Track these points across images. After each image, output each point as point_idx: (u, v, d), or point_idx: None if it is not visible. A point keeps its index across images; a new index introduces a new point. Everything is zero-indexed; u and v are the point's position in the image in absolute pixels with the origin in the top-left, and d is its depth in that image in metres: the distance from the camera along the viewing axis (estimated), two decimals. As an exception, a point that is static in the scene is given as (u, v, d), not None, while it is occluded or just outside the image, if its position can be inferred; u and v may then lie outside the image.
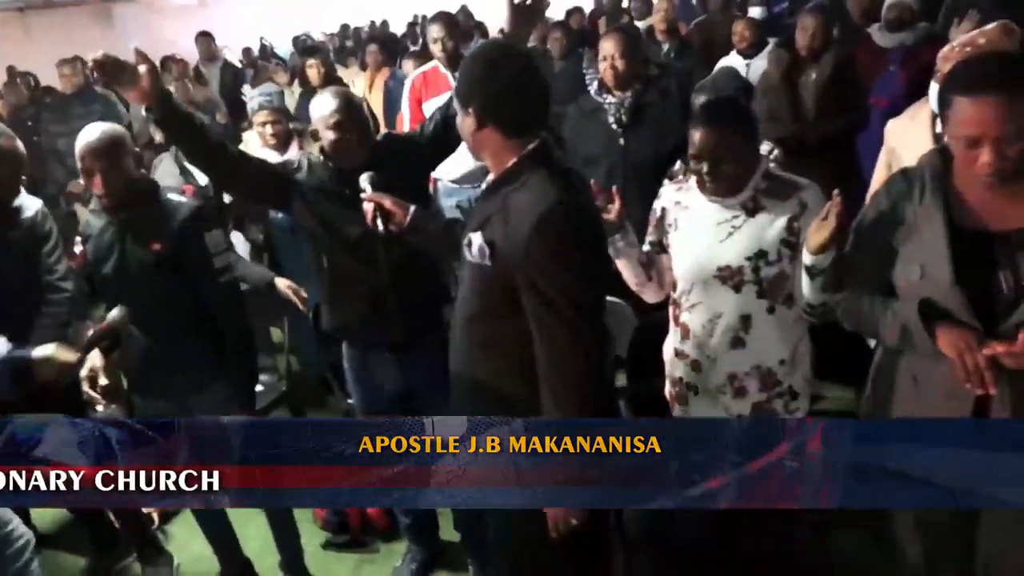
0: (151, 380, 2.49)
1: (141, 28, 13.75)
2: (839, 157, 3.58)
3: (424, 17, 11.78)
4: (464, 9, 6.24)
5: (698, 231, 2.08)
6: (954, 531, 1.82)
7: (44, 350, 1.91)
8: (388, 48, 6.54)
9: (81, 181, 4.87)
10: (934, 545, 1.88)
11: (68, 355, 1.91)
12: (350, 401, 3.27)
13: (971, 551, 1.83)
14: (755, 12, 5.38)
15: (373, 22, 11.89)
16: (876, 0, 4.62)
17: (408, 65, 4.66)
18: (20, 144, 2.71)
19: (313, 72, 4.66)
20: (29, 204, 2.87)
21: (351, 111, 2.31)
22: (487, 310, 1.77)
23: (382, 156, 2.36)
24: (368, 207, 2.01)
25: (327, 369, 3.40)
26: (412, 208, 2.02)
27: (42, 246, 2.67)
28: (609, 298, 2.42)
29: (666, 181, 2.91)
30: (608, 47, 3.23)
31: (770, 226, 1.99)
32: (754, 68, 4.51)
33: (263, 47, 11.66)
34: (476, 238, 1.74)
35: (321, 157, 2.39)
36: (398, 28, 11.68)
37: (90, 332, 2.01)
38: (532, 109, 1.72)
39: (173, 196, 2.54)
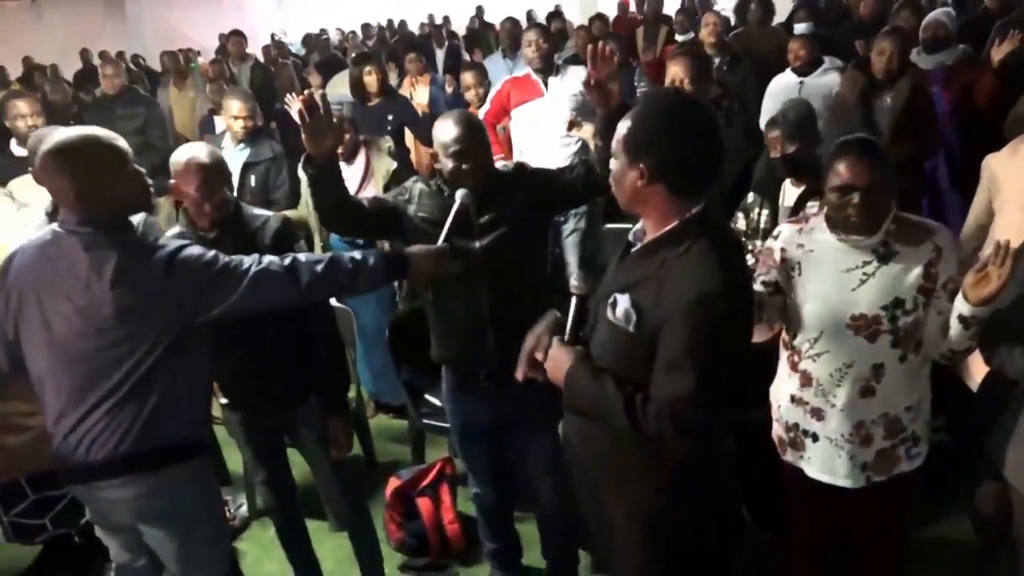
0: (249, 397, 2.49)
1: (153, 20, 13.62)
2: (908, 179, 3.57)
3: (446, 18, 11.75)
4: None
5: (827, 278, 1.99)
6: None
7: (415, 248, 2.17)
8: (427, 55, 6.48)
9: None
10: None
11: (437, 251, 2.15)
12: (426, 421, 3.26)
13: None
14: (800, 28, 5.29)
15: (391, 21, 11.76)
16: (916, 24, 4.62)
17: (467, 77, 4.72)
18: None
19: (371, 79, 4.58)
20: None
21: (473, 140, 2.23)
22: (622, 372, 1.65)
23: (501, 185, 2.31)
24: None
25: (398, 387, 3.36)
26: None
27: None
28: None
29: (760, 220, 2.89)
30: (677, 71, 3.07)
31: (907, 273, 1.92)
32: (808, 86, 4.47)
33: (277, 43, 11.46)
34: (623, 300, 1.63)
35: (431, 186, 2.35)
36: (413, 26, 11.60)
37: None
38: (709, 170, 1.63)
39: (256, 210, 2.52)
